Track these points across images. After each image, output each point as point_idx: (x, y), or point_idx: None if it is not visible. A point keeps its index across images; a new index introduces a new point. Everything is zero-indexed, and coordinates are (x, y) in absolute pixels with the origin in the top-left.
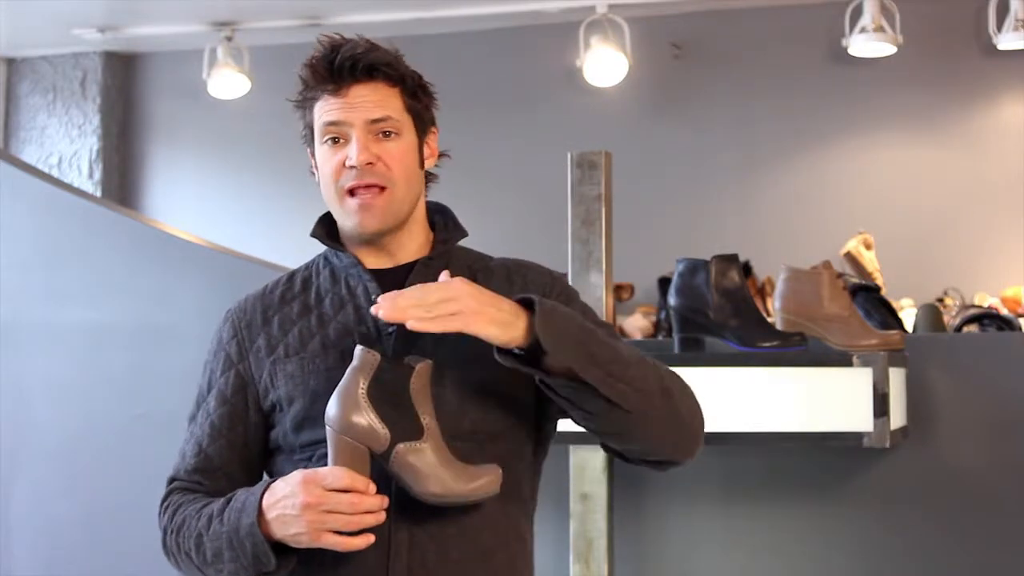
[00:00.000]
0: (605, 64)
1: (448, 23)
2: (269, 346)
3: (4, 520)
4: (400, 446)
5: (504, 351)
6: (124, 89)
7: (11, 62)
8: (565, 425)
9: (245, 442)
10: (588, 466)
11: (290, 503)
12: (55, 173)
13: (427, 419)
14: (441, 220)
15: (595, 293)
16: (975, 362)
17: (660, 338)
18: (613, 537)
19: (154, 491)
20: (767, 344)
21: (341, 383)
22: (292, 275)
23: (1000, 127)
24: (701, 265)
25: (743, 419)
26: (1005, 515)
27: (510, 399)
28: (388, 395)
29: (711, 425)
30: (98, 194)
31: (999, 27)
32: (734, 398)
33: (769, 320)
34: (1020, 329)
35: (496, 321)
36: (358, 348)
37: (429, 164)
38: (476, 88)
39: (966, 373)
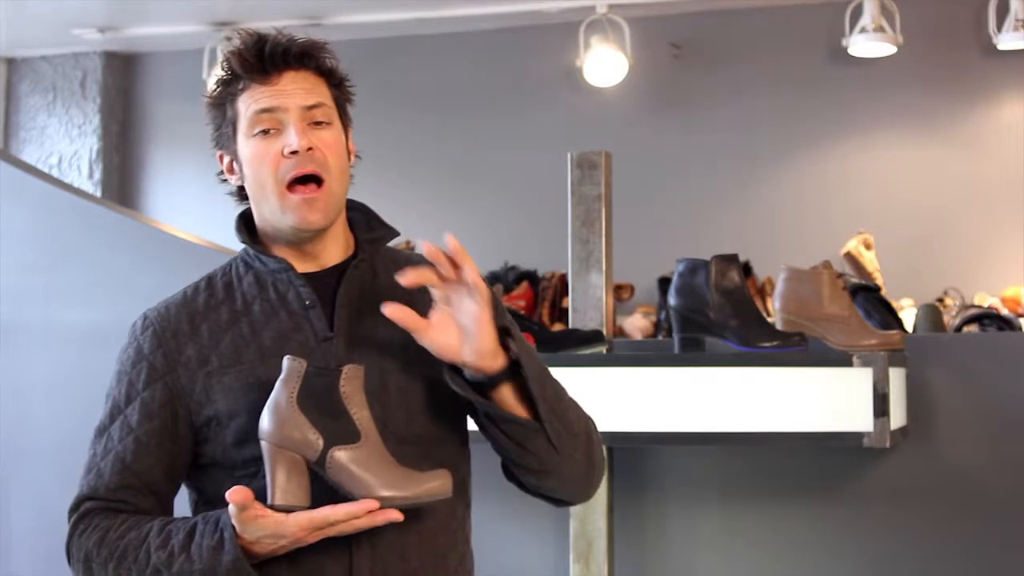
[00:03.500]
0: (605, 64)
1: (448, 23)
2: (200, 356)
3: (4, 520)
4: (334, 451)
5: (454, 376)
6: (124, 89)
7: (11, 62)
8: None
9: (173, 458)
10: None
11: (276, 544)
12: (55, 173)
13: (363, 423)
14: (361, 218)
15: (595, 293)
16: (975, 362)
17: (660, 338)
18: (613, 537)
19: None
20: (767, 344)
21: (271, 395)
22: (210, 280)
23: (1000, 127)
24: (701, 265)
25: (743, 419)
26: (1005, 515)
27: (449, 403)
28: (319, 401)
29: (712, 425)
30: (98, 194)
31: (999, 27)
32: (734, 398)
33: (769, 320)
34: (1020, 329)
35: (493, 334)
36: (285, 358)
37: (352, 162)
38: (476, 88)
39: (966, 373)
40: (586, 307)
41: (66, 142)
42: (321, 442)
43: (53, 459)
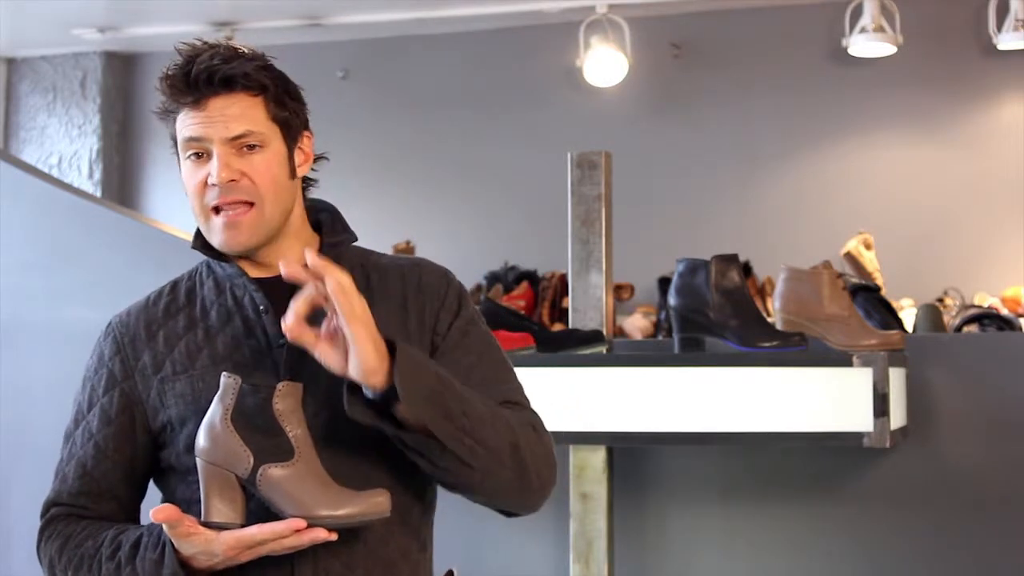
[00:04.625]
0: (605, 64)
1: (448, 23)
2: (155, 363)
3: (4, 520)
4: (265, 468)
5: (353, 401)
6: (124, 89)
7: (11, 62)
8: (565, 425)
9: (132, 464)
10: (588, 466)
11: (211, 561)
12: (55, 173)
13: (299, 440)
14: (328, 218)
15: (595, 293)
16: (975, 362)
17: (660, 338)
18: (613, 537)
19: (152, 490)
20: (767, 344)
21: (207, 412)
22: (175, 285)
23: (1000, 127)
24: (701, 265)
25: (743, 419)
26: (1005, 515)
27: None
28: (253, 418)
29: (712, 425)
30: (98, 194)
31: (999, 27)
32: (734, 398)
33: (769, 320)
34: (1020, 329)
35: (376, 348)
36: (223, 375)
37: (303, 171)
38: (476, 88)
39: (966, 373)
40: (586, 307)
41: (66, 142)
42: (252, 459)
43: (53, 459)
